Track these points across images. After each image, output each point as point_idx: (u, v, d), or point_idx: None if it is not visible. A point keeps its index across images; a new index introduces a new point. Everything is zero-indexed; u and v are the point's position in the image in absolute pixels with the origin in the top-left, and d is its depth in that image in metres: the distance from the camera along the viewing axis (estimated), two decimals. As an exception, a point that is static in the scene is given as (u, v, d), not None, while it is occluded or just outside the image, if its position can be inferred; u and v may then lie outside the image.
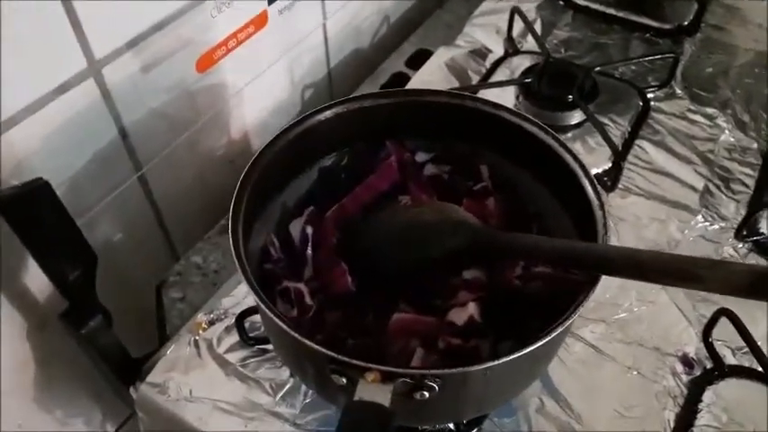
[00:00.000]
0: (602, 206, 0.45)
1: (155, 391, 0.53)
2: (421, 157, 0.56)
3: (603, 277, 0.42)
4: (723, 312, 0.53)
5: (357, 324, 0.47)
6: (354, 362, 0.37)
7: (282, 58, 0.71)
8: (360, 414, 0.36)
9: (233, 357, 0.55)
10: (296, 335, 0.39)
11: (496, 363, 0.38)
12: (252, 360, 0.54)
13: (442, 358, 0.45)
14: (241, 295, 0.58)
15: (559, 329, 0.40)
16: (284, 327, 0.39)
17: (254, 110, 0.71)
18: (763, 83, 0.76)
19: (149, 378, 0.54)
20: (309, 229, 0.52)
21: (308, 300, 0.48)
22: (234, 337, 0.55)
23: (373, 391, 0.37)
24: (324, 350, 0.38)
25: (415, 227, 0.49)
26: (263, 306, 0.40)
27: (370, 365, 0.37)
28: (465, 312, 0.45)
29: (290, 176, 0.53)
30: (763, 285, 0.36)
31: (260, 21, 0.64)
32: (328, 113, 0.52)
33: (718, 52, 0.80)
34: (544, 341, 0.39)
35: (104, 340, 0.52)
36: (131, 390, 0.55)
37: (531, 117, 0.51)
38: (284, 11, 0.67)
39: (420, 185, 0.54)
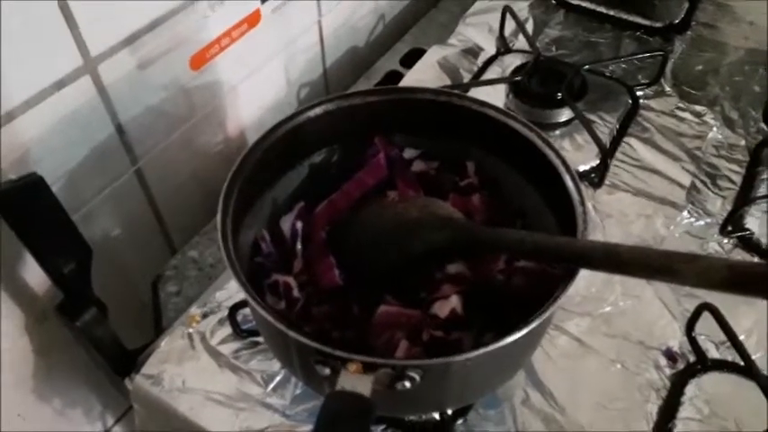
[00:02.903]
0: (582, 202, 0.46)
1: (149, 382, 0.54)
2: (409, 153, 0.57)
3: (590, 272, 0.43)
4: (705, 307, 0.54)
5: (344, 316, 0.48)
6: (336, 352, 0.38)
7: (277, 56, 0.72)
8: (339, 403, 0.37)
9: (225, 349, 0.56)
10: (281, 326, 0.40)
11: (476, 353, 0.39)
12: (244, 352, 0.55)
13: (426, 350, 0.46)
14: (234, 288, 0.59)
15: (537, 321, 0.40)
16: (269, 318, 0.40)
17: (250, 107, 0.72)
18: (752, 80, 0.76)
19: (144, 370, 0.55)
20: (299, 225, 0.53)
21: (295, 293, 0.49)
22: (227, 330, 0.56)
23: (354, 382, 0.38)
24: (307, 341, 0.39)
25: (401, 222, 0.50)
26: (249, 297, 0.42)
27: (352, 356, 0.38)
28: (448, 305, 0.46)
29: (280, 172, 0.54)
30: (740, 280, 0.36)
31: (253, 19, 0.65)
32: (318, 110, 0.53)
33: (709, 50, 0.80)
34: (523, 332, 0.40)
35: (99, 332, 0.53)
36: (127, 381, 0.56)
37: (515, 114, 0.52)
38: (278, 9, 0.68)
39: (408, 181, 0.55)
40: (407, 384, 0.39)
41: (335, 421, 0.37)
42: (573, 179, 0.47)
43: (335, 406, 0.37)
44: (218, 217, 0.45)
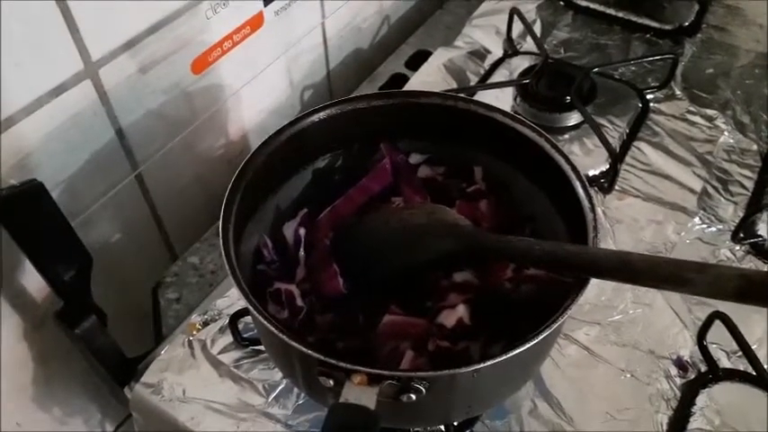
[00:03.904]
0: (593, 208, 0.45)
1: (149, 391, 0.54)
2: (415, 158, 0.56)
3: (599, 280, 0.42)
4: (717, 316, 0.53)
5: (348, 326, 0.48)
6: (340, 364, 0.37)
7: (280, 59, 0.71)
8: (344, 416, 0.36)
9: (226, 358, 0.55)
10: (283, 336, 0.39)
11: (483, 365, 0.38)
12: (245, 361, 0.55)
13: (432, 361, 0.45)
14: (235, 296, 0.58)
15: (547, 332, 0.39)
16: (271, 328, 0.39)
17: (253, 111, 0.71)
18: (763, 84, 0.75)
19: (143, 378, 0.54)
20: (302, 231, 0.52)
21: (298, 301, 0.48)
22: (228, 338, 0.56)
23: (359, 393, 0.37)
24: (310, 352, 0.38)
25: (406, 229, 0.49)
26: (251, 306, 0.41)
27: (356, 367, 0.37)
28: (454, 314, 0.46)
29: (283, 178, 0.53)
30: (752, 290, 0.36)
31: (256, 22, 0.64)
32: (322, 115, 0.52)
33: (719, 53, 0.79)
34: (532, 343, 0.39)
35: (99, 340, 0.52)
36: (126, 389, 0.55)
37: (523, 118, 0.51)
38: (281, 12, 0.67)
39: (413, 187, 0.54)
40: (413, 396, 0.38)
41: (340, 434, 0.36)
42: (583, 185, 0.46)
43: (340, 418, 0.37)
44: (221, 224, 0.44)
